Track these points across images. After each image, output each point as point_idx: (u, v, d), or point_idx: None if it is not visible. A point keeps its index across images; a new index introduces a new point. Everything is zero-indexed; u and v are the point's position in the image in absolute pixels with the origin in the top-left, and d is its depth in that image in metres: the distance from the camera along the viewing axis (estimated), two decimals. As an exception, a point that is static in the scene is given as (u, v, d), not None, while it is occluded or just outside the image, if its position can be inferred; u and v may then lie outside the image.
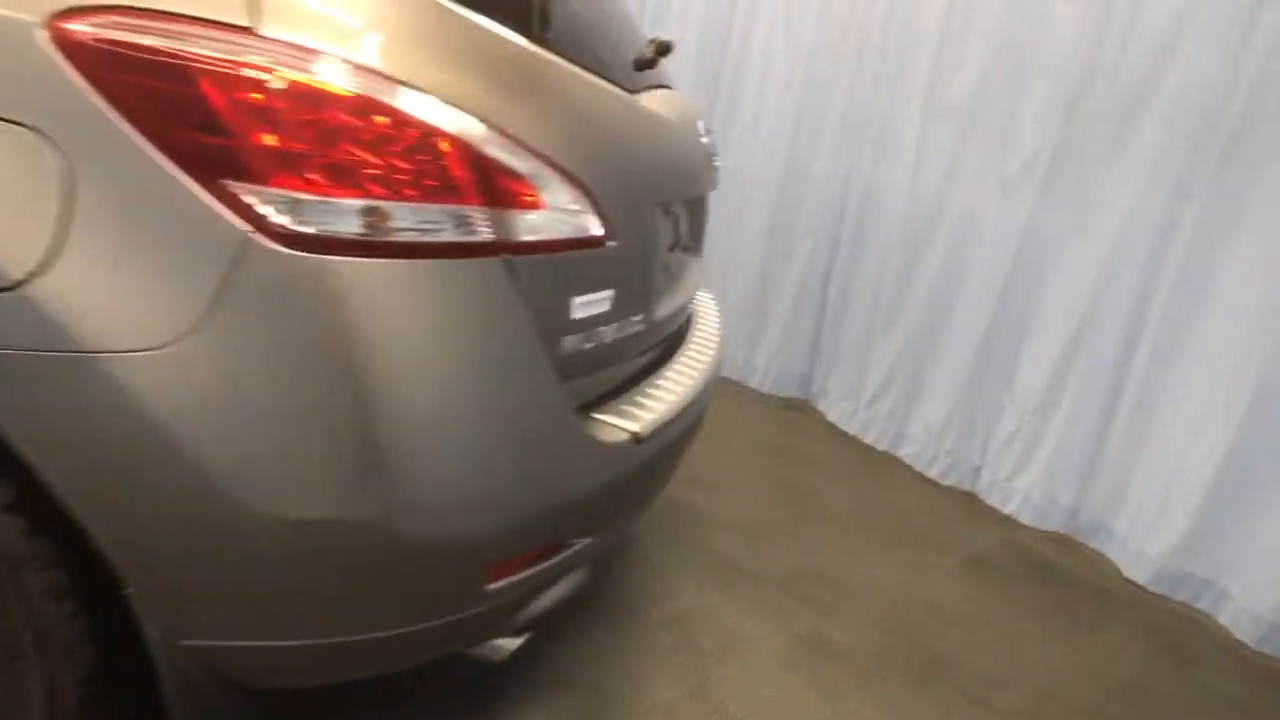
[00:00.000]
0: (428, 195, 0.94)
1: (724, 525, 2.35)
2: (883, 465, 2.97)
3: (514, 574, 1.11)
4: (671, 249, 1.61)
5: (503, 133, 1.00)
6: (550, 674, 1.64)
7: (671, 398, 1.40)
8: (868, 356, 3.08)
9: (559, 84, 1.15)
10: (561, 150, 1.09)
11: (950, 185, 2.78)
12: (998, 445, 2.73)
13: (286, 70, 0.87)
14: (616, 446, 1.23)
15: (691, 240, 1.75)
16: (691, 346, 1.64)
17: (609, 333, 1.24)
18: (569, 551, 1.21)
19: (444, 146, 0.94)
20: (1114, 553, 2.50)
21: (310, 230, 0.89)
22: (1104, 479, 2.53)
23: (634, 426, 1.26)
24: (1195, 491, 2.28)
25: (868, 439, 3.07)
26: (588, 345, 1.19)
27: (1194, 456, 2.30)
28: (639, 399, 1.36)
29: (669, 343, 1.68)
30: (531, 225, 1.04)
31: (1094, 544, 2.57)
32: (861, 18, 2.96)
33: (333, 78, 0.89)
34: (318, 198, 0.89)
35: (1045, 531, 2.64)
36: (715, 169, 1.60)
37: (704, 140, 1.56)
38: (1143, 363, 2.42)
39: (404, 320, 0.94)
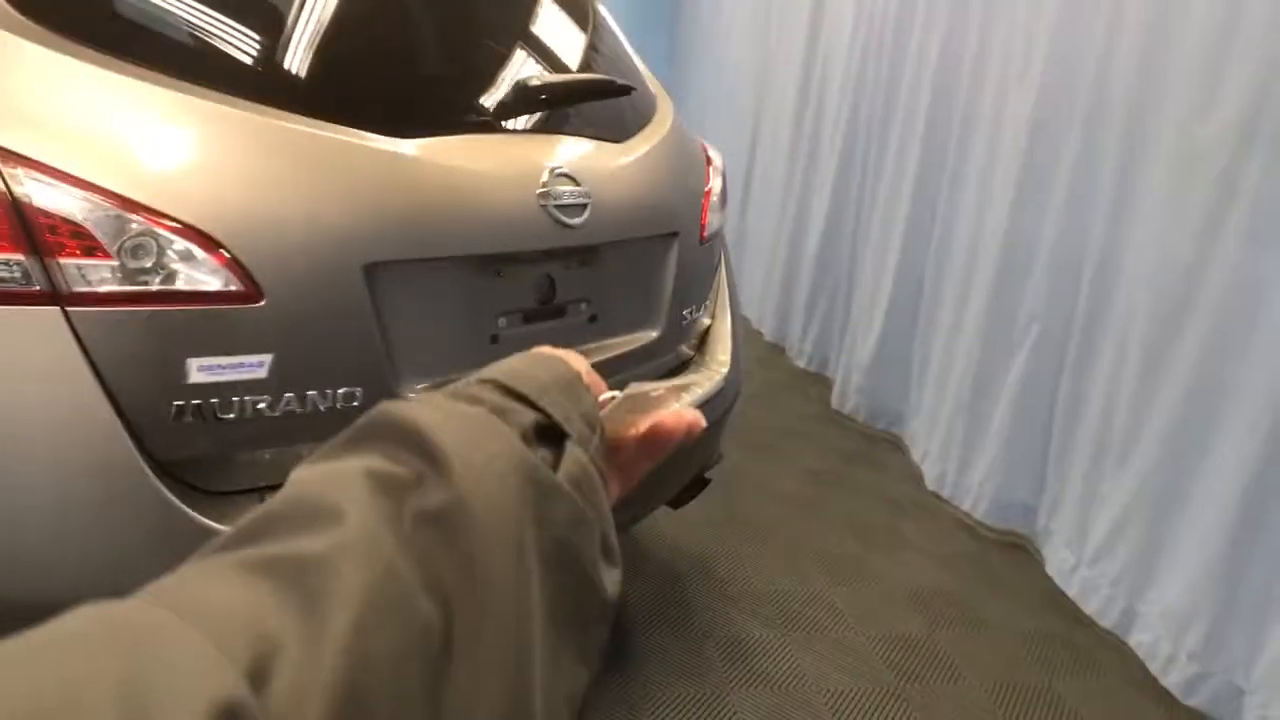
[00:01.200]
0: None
1: (769, 678, 1.84)
2: (1097, 651, 2.04)
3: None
4: (530, 317, 1.36)
5: (55, 173, 0.94)
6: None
7: None
8: (1096, 490, 2.17)
9: (202, 127, 1.05)
10: (180, 200, 1.00)
11: (1213, 250, 1.85)
12: (1271, 664, 1.68)
13: None
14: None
15: (594, 307, 1.45)
16: None
17: (277, 405, 1.07)
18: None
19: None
20: None
21: None
22: None
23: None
24: None
25: (1089, 608, 2.15)
26: (228, 415, 1.05)
27: None
28: None
29: None
30: (99, 276, 0.97)
31: None
32: (1098, 48, 2.19)
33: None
34: None
35: (1350, 834, 1.52)
36: (567, 223, 1.30)
37: (539, 190, 1.28)
38: None
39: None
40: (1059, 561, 2.29)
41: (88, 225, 0.96)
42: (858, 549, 2.41)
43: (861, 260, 3.41)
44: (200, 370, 1.02)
